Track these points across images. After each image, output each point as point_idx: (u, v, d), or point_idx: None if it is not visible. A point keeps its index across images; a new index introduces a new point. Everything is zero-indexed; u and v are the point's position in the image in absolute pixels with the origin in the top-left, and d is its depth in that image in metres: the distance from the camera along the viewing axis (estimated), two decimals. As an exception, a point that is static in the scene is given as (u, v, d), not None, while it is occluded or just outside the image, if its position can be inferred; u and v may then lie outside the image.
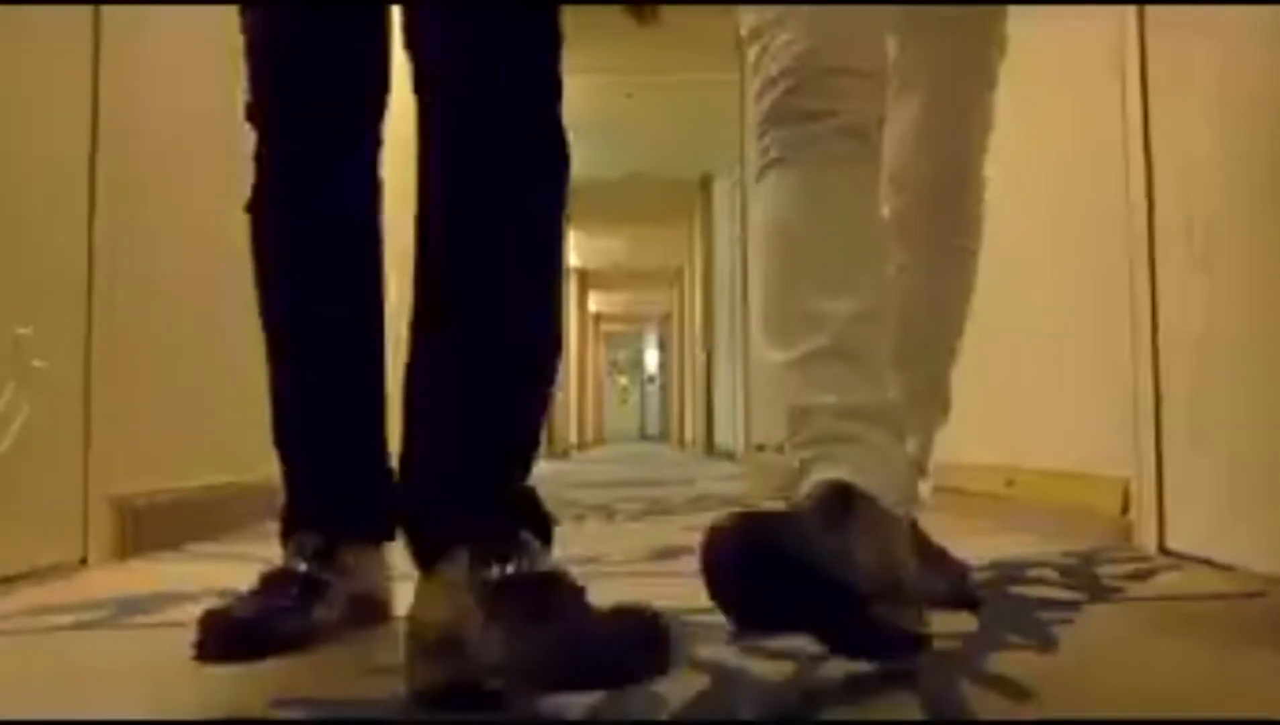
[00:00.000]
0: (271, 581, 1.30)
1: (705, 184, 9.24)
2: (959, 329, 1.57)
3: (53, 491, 1.82)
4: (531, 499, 1.08)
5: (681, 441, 12.52)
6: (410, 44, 1.14)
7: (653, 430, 23.17)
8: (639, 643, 0.98)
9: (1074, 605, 1.45)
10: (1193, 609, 1.48)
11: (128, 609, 1.49)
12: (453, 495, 1.05)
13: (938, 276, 1.54)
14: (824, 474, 1.11)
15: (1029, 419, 2.59)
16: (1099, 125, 2.14)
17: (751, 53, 1.32)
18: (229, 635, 1.20)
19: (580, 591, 1.01)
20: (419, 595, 1.01)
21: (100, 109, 1.95)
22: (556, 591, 1.00)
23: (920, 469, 1.50)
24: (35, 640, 1.35)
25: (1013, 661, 1.11)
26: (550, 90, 1.13)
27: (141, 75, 2.08)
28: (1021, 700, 0.97)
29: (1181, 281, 1.90)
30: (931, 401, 1.54)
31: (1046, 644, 1.21)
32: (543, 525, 1.07)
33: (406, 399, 1.08)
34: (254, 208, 1.34)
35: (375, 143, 1.38)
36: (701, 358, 9.92)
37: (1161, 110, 1.97)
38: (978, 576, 1.60)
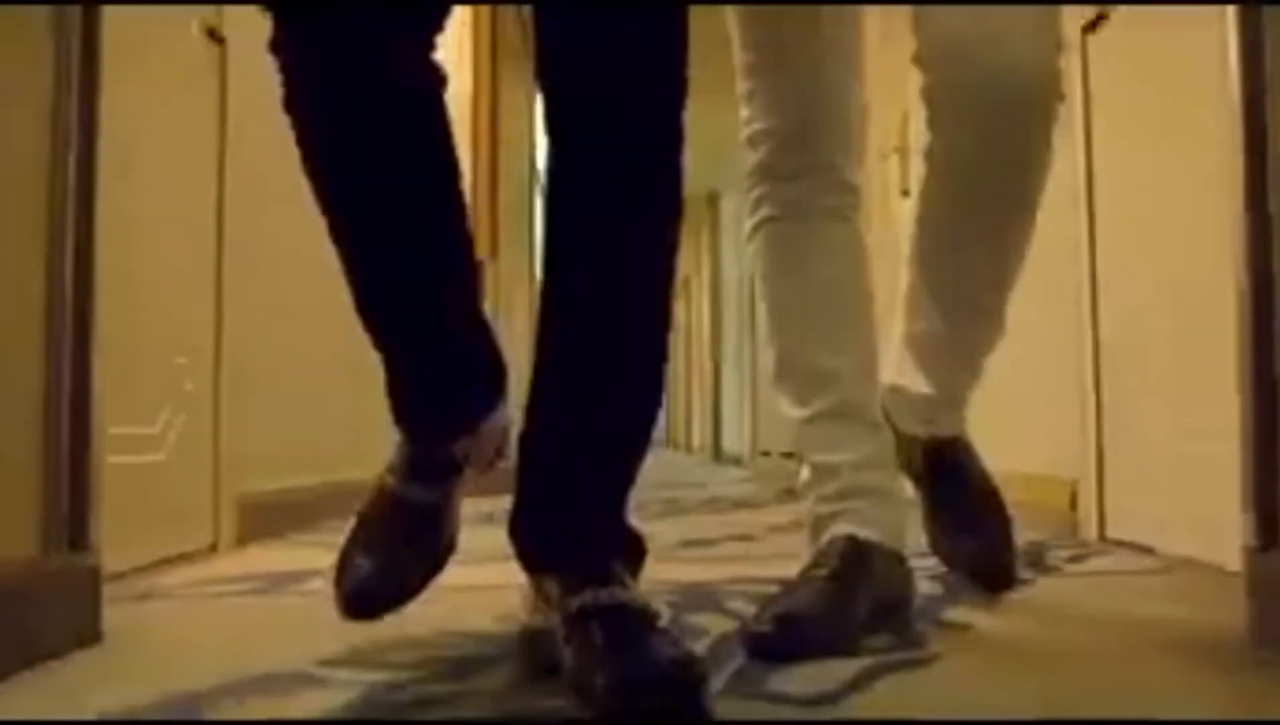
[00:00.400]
0: (395, 532, 1.25)
1: (713, 201, 9.56)
2: (1017, 253, 1.39)
3: (192, 490, 2.22)
4: (629, 532, 1.22)
5: (688, 447, 12.81)
6: (543, 74, 1.17)
7: (658, 434, 23.41)
8: (684, 675, 1.01)
9: (1023, 580, 1.84)
10: (1110, 581, 1.88)
11: (278, 582, 1.88)
12: (559, 528, 1.18)
13: (985, 162, 1.32)
14: (844, 529, 1.38)
15: (1005, 429, 2.96)
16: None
17: (741, 96, 1.44)
18: (368, 597, 1.23)
19: (653, 616, 1.10)
20: (528, 596, 1.20)
21: (226, 151, 2.33)
22: (626, 618, 1.07)
23: (964, 393, 1.49)
24: (213, 604, 1.73)
25: (964, 612, 1.49)
26: (677, 140, 1.17)
27: (259, 109, 2.38)
28: (964, 631, 1.37)
29: (1119, 321, 2.29)
30: (991, 330, 1.45)
31: (992, 601, 1.60)
32: (635, 554, 1.21)
33: (525, 432, 1.20)
34: (289, 99, 1.12)
35: (433, 23, 1.17)
36: (709, 367, 10.26)
37: (1103, 121, 2.32)
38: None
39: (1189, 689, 1.11)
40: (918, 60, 1.32)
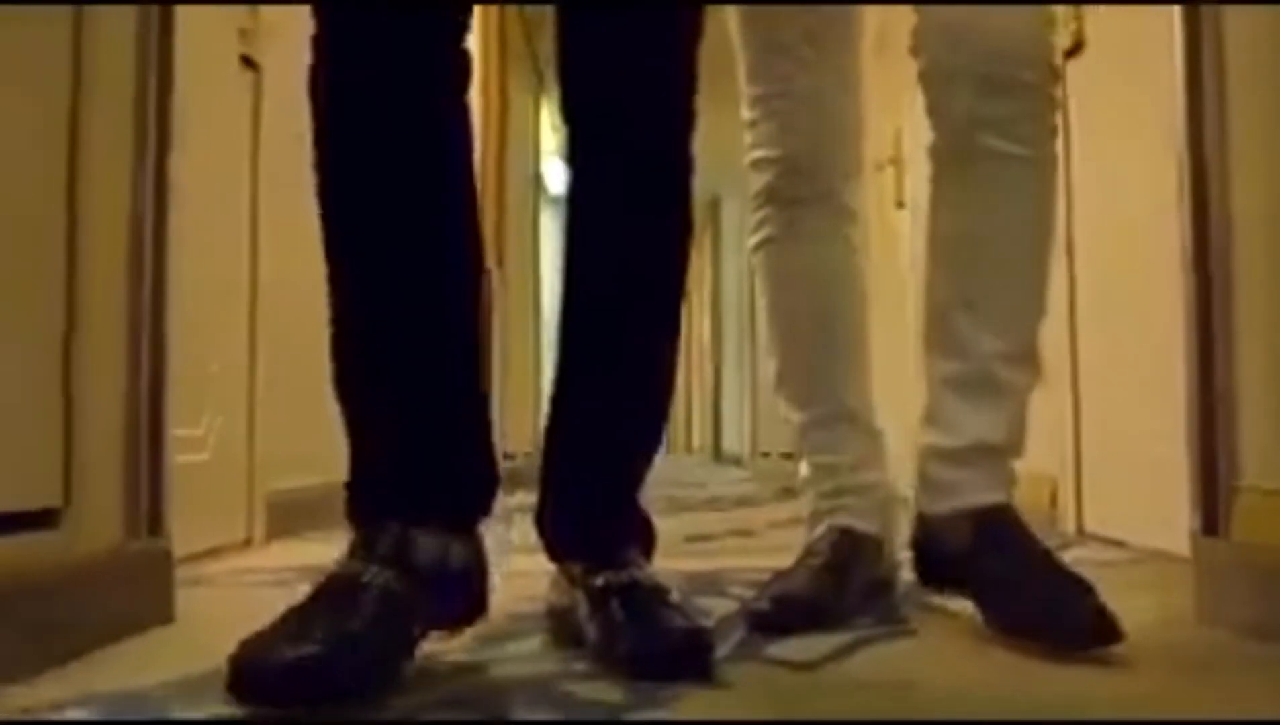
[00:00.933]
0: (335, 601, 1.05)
1: (714, 206, 9.67)
2: (1036, 263, 1.36)
3: (229, 489, 2.37)
4: (642, 519, 1.33)
5: (689, 448, 12.92)
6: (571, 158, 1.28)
7: (658, 437, 23.45)
8: (694, 643, 1.16)
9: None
10: (1083, 570, 2.01)
11: (313, 573, 2.03)
12: (581, 520, 1.30)
13: (981, 193, 1.33)
14: (838, 521, 1.52)
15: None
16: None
17: (745, 124, 1.53)
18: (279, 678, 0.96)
19: (664, 591, 1.23)
20: (554, 580, 1.34)
21: (259, 172, 2.49)
22: (642, 594, 1.21)
23: (1014, 450, 1.38)
24: (261, 592, 1.87)
25: (945, 596, 1.64)
26: (687, 165, 1.27)
27: (290, 132, 2.50)
28: (942, 612, 1.51)
29: (1092, 325, 2.45)
30: (1020, 366, 1.36)
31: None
32: (648, 540, 1.33)
33: (550, 438, 1.32)
34: (312, 87, 1.13)
35: (462, 27, 1.18)
36: (709, 369, 10.39)
37: (1082, 136, 2.44)
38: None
39: (1135, 662, 1.25)
40: (914, 49, 1.35)
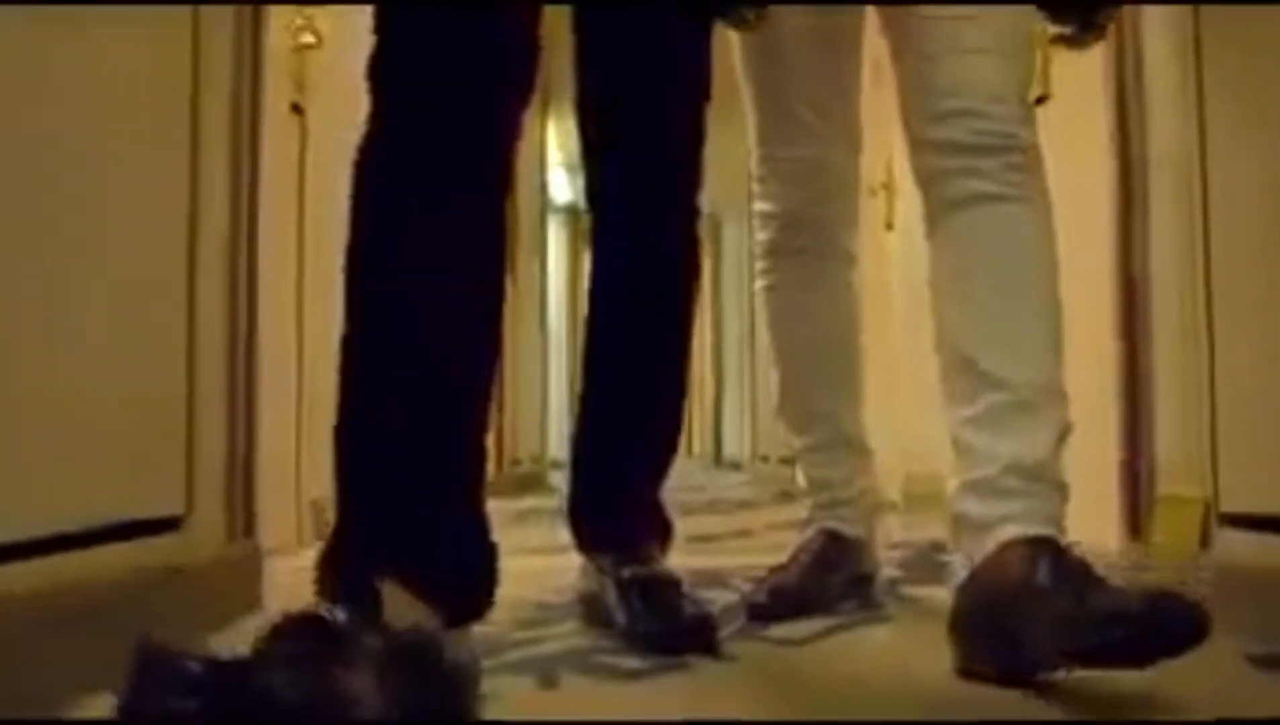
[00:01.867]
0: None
1: (714, 227, 9.81)
2: (1045, 300, 1.30)
3: (282, 494, 2.63)
4: (662, 517, 1.54)
5: (690, 451, 13.07)
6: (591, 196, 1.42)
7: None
8: (702, 626, 1.39)
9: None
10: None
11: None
12: (608, 519, 1.50)
13: (972, 239, 1.32)
14: (829, 526, 1.73)
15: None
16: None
17: (754, 178, 1.65)
18: None
19: (678, 583, 1.44)
20: (584, 569, 1.56)
21: (305, 207, 2.75)
22: (660, 585, 1.43)
23: (1058, 481, 1.25)
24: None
25: (920, 589, 1.88)
26: (693, 213, 1.42)
27: (331, 170, 2.75)
28: (918, 603, 1.77)
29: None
30: (1050, 396, 1.27)
31: (945, 579, 1.97)
32: (666, 535, 1.54)
33: (578, 444, 1.53)
34: (362, 155, 1.10)
35: (521, 101, 1.12)
36: (710, 378, 10.59)
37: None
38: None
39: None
40: (904, 122, 1.38)
